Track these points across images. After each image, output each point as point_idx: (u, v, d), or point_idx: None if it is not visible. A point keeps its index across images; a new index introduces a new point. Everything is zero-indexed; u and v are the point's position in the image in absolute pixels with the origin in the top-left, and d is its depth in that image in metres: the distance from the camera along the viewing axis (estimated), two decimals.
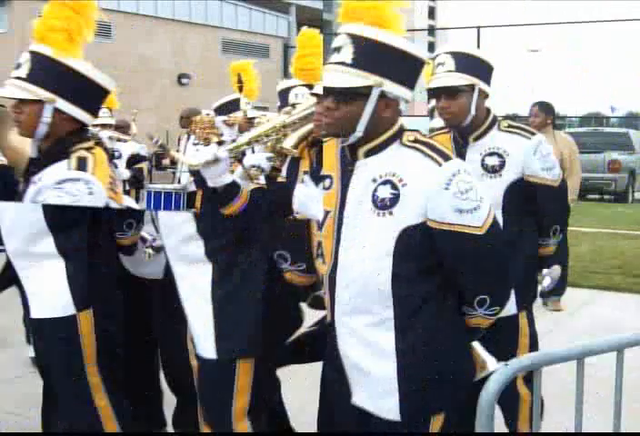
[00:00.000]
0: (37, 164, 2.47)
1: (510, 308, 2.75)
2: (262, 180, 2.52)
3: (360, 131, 1.96)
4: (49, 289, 2.66)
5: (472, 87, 2.70)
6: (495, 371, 1.83)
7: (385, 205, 1.95)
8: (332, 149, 2.14)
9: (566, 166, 5.95)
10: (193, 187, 2.89)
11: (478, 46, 17.53)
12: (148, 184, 6.52)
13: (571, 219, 3.27)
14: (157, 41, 27.29)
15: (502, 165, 2.78)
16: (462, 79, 2.69)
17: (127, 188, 8.04)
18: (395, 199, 1.94)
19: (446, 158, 1.96)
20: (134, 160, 7.83)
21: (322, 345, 2.28)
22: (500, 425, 2.58)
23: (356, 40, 1.93)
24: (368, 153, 2.01)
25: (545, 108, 6.05)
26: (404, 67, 1.97)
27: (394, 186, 1.95)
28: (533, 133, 2.83)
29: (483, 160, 2.79)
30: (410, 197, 1.93)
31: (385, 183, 1.96)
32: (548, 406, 2.72)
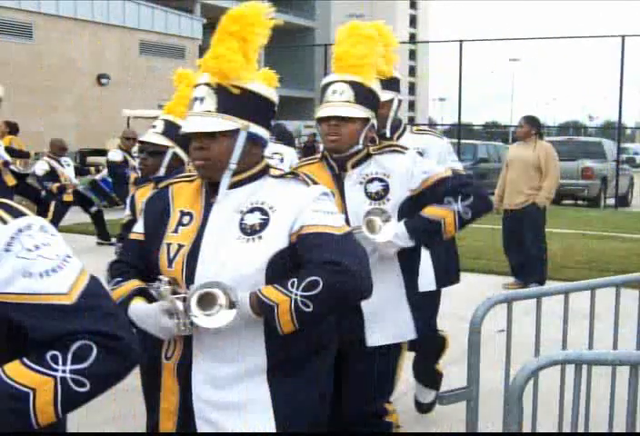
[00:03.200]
0: None
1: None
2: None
3: (233, 163, 1.96)
4: None
5: (367, 120, 2.61)
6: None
7: (254, 230, 1.92)
8: (189, 187, 2.10)
9: (542, 169, 6.99)
10: None
11: (460, 57, 17.20)
12: None
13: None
14: (77, 42, 26.84)
15: (386, 189, 2.63)
16: (362, 112, 2.58)
17: None
18: (264, 223, 1.93)
19: (314, 183, 2.02)
20: None
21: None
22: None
23: (219, 90, 1.94)
24: (233, 186, 2.00)
25: (529, 121, 7.23)
26: (264, 111, 2.01)
27: (264, 212, 1.95)
28: (406, 148, 2.72)
29: (365, 188, 2.64)
30: (280, 220, 1.93)
31: (252, 210, 1.95)
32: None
